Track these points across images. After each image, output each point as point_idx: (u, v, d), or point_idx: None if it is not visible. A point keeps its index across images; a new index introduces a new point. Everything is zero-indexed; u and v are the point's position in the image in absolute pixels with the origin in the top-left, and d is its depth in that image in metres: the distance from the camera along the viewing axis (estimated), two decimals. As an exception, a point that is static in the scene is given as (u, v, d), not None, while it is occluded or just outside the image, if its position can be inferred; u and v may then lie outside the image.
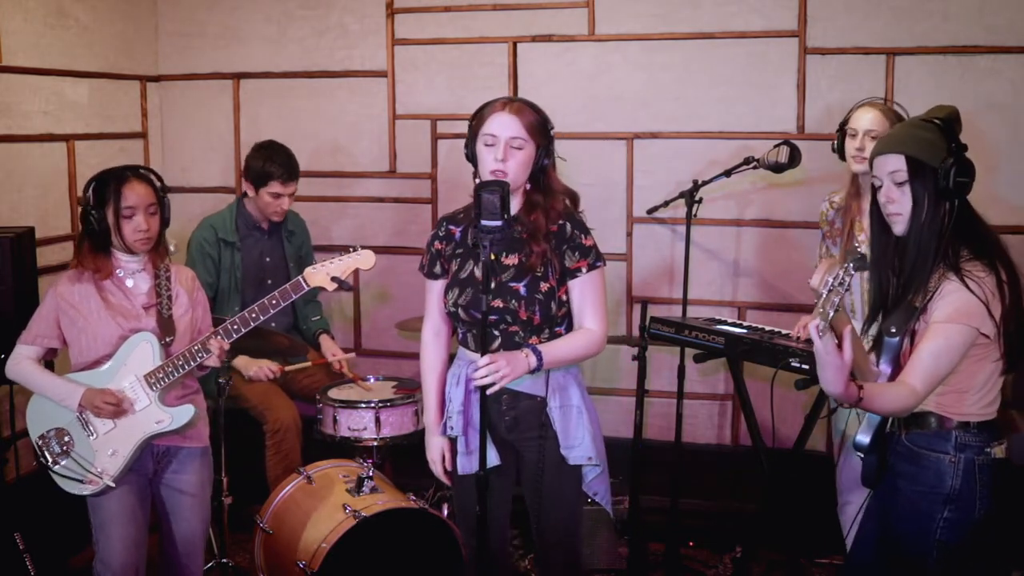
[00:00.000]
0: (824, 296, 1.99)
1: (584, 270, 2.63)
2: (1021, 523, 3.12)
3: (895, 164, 2.27)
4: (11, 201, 3.89)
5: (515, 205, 2.63)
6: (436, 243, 2.76)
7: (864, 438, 2.34)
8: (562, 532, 2.72)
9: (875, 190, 2.35)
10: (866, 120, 3.18)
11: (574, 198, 2.71)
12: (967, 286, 2.20)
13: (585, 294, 2.64)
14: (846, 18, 4.08)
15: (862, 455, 2.39)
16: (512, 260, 2.63)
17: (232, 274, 4.01)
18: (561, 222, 2.63)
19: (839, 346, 2.07)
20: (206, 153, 4.85)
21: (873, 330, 2.39)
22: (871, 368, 2.32)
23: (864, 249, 3.06)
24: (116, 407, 2.80)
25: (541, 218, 2.61)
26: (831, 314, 1.98)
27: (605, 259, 2.69)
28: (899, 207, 2.28)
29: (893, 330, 2.25)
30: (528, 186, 2.65)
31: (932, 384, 2.21)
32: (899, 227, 2.30)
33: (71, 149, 4.21)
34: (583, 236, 2.64)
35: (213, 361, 2.84)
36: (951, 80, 3.98)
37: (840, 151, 3.28)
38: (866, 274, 2.73)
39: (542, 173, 2.64)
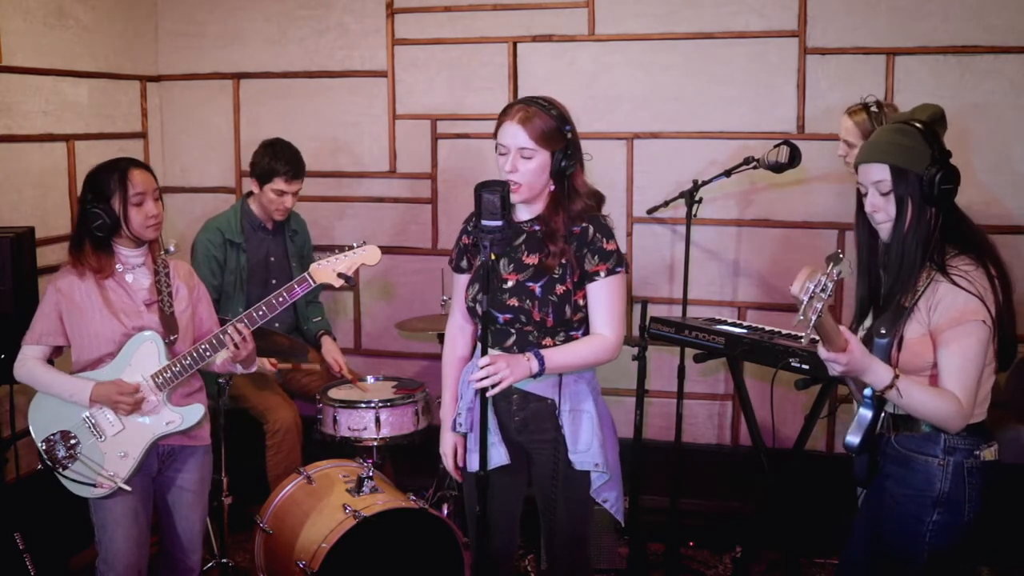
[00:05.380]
0: (805, 303, 1.95)
1: (603, 274, 2.58)
2: (1009, 522, 3.14)
3: (879, 174, 2.26)
4: (11, 201, 3.89)
5: (540, 206, 2.63)
6: (464, 237, 2.77)
7: (854, 439, 2.30)
8: (570, 535, 2.70)
9: (861, 196, 2.35)
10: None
11: (599, 199, 2.68)
12: (958, 284, 2.19)
13: (601, 299, 2.59)
14: (846, 18, 4.08)
15: (853, 455, 2.38)
16: (532, 260, 2.61)
17: (237, 275, 4.01)
18: (584, 224, 2.60)
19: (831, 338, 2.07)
20: (206, 153, 4.85)
21: (861, 333, 2.39)
22: None
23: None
24: (135, 398, 2.79)
25: (561, 219, 2.59)
26: (813, 320, 1.95)
27: (628, 265, 2.66)
28: (885, 215, 2.28)
29: (883, 331, 2.24)
30: (553, 187, 2.62)
31: (970, 394, 2.18)
32: (886, 235, 2.30)
33: (71, 149, 4.21)
34: (605, 240, 2.59)
35: (235, 352, 2.80)
36: (951, 80, 3.98)
37: None
38: None
39: (564, 175, 2.60)
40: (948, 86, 3.96)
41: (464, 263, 2.76)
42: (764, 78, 4.19)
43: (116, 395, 2.78)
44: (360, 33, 4.60)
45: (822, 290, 1.94)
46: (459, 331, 2.82)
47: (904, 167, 2.23)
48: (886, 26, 4.04)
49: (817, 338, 2.03)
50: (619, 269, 2.60)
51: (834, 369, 2.14)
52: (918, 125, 2.28)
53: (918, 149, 2.23)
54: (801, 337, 2.01)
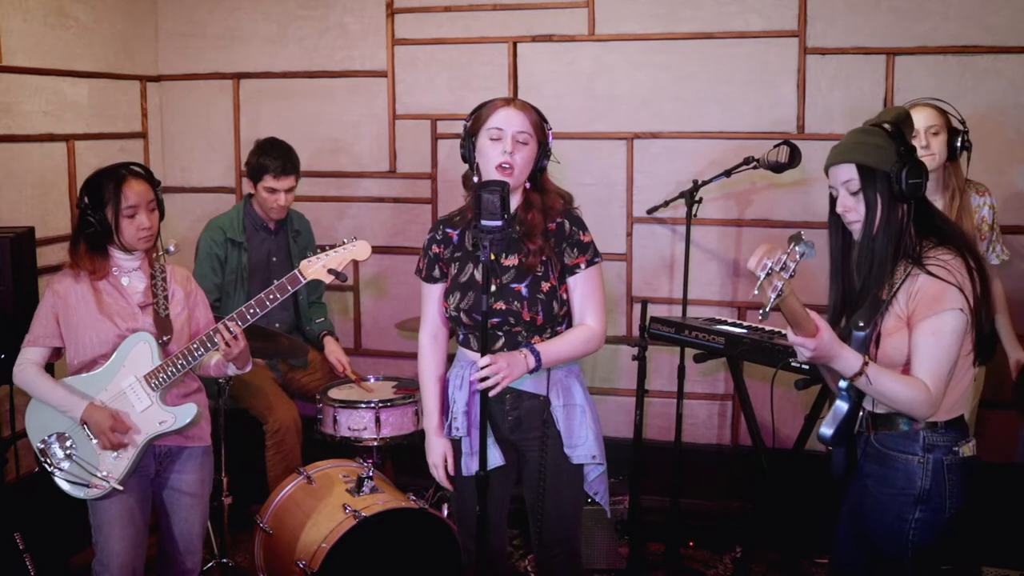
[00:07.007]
0: (762, 278, 1.95)
1: (583, 266, 2.64)
2: (993, 519, 3.13)
3: (847, 173, 2.28)
4: (11, 201, 3.89)
5: (513, 203, 2.64)
6: (434, 247, 2.74)
7: (828, 430, 2.30)
8: (562, 531, 2.71)
9: (833, 201, 2.36)
10: (921, 119, 3.19)
11: (568, 199, 2.73)
12: (934, 275, 2.20)
13: (586, 291, 2.65)
14: (846, 18, 4.08)
15: (828, 447, 2.38)
16: (512, 261, 2.62)
17: (239, 274, 4.01)
18: (560, 220, 2.65)
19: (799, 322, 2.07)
20: (206, 153, 4.85)
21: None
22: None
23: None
24: (120, 433, 2.79)
25: (538, 216, 2.62)
26: (773, 298, 1.95)
27: (601, 255, 2.71)
28: (856, 215, 2.30)
29: (861, 324, 2.25)
30: (527, 185, 2.66)
31: (940, 382, 2.19)
32: (859, 235, 2.32)
33: (71, 149, 4.21)
34: (581, 232, 2.65)
35: (226, 350, 2.79)
36: (951, 80, 3.98)
37: None
38: None
39: (540, 174, 2.67)
40: (948, 86, 3.96)
41: (436, 273, 2.75)
42: (764, 78, 4.19)
43: (108, 428, 2.77)
44: (360, 33, 4.60)
45: (782, 268, 1.94)
46: (432, 340, 2.81)
47: (871, 165, 2.25)
48: (886, 26, 4.04)
49: (772, 312, 2.02)
50: (597, 260, 2.67)
51: (803, 354, 2.15)
52: (885, 126, 2.31)
53: (884, 147, 2.26)
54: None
